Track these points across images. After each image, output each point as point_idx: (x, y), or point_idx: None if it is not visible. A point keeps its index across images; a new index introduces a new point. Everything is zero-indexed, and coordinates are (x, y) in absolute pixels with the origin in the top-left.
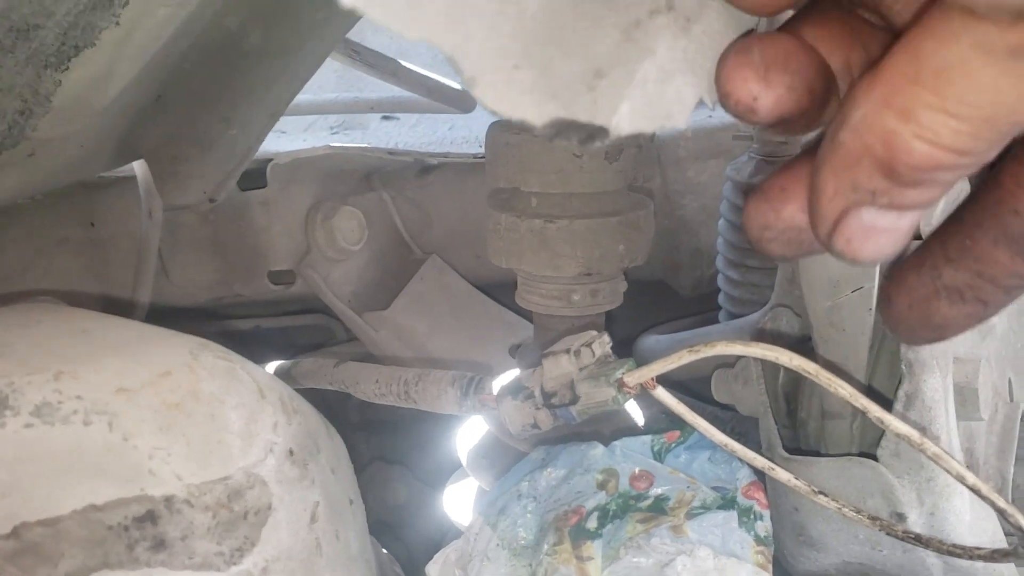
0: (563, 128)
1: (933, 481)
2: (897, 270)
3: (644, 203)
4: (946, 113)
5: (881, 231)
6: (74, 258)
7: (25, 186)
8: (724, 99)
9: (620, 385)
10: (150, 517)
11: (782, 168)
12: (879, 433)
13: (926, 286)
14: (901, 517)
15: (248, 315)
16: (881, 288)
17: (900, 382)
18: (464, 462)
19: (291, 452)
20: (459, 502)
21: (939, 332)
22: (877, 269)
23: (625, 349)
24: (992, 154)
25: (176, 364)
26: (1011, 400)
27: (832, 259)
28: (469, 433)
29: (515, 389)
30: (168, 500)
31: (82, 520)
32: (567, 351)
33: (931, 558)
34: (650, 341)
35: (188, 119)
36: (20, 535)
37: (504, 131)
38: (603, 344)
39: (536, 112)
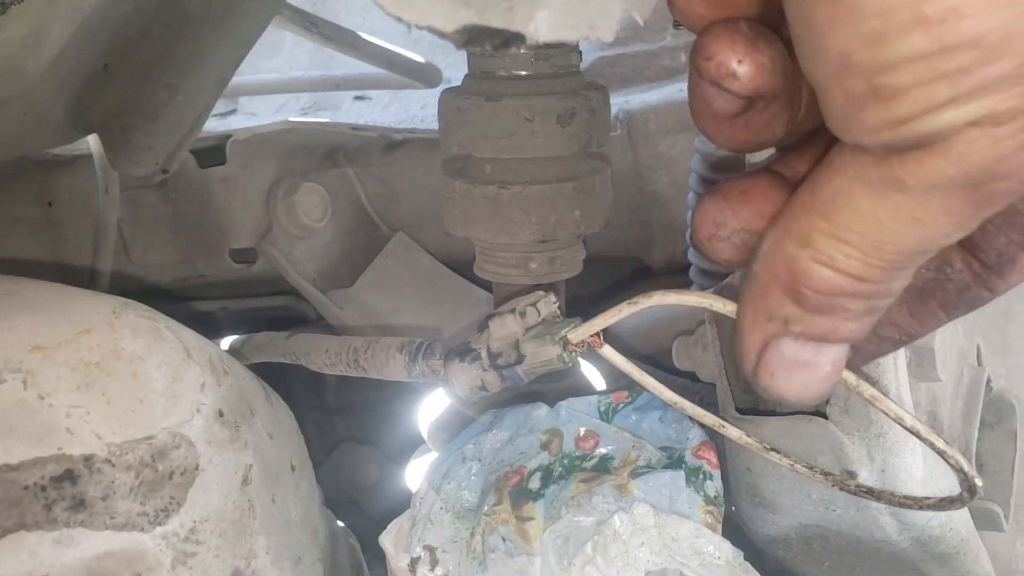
0: (475, 34)
1: (883, 437)
2: None
3: (600, 168)
4: (838, 239)
5: (802, 366)
6: (31, 238)
7: None
8: (704, 62)
9: (565, 343)
10: (68, 476)
11: (745, 174)
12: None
13: None
14: (852, 474)
15: (214, 296)
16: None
17: None
18: (424, 435)
19: (220, 413)
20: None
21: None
22: None
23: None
24: (896, 285)
25: (96, 322)
26: (979, 365)
27: None
28: (431, 407)
29: (462, 352)
30: (88, 459)
31: None
32: (512, 311)
33: (884, 516)
34: (624, 320)
35: (134, 88)
36: None
37: (455, 96)
38: (548, 304)
39: (446, 19)
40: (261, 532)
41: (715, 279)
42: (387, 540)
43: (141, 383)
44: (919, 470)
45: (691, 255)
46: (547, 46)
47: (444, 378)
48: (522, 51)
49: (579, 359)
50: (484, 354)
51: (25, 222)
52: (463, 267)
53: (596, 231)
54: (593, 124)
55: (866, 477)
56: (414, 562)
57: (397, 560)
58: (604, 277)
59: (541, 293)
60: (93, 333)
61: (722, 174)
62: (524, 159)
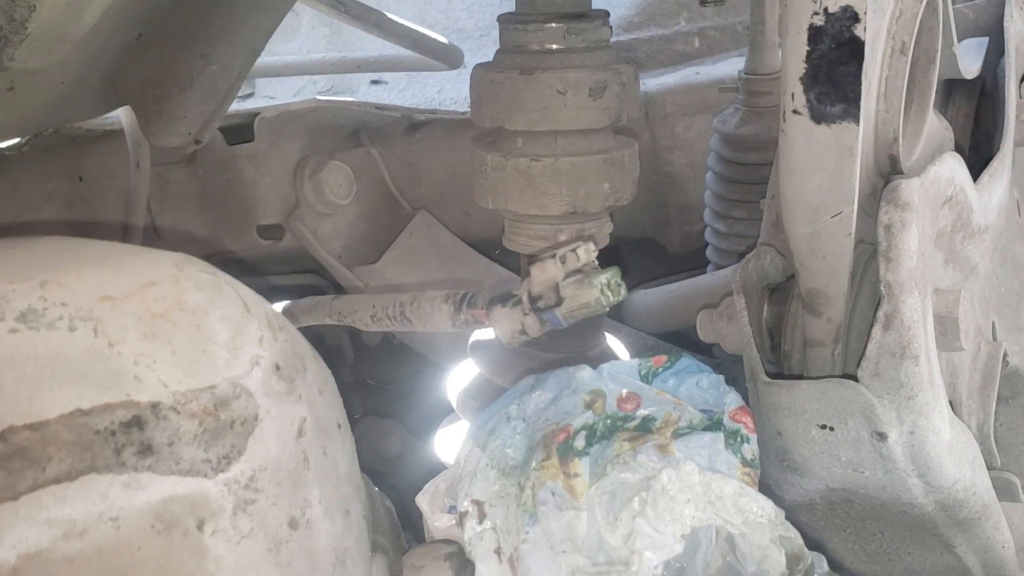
0: None
1: (912, 400)
2: None
3: (629, 143)
4: None
5: None
6: (61, 212)
7: (6, 124)
8: None
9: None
10: (136, 422)
11: None
12: (860, 359)
13: None
14: (882, 436)
15: (239, 274)
16: None
17: (879, 304)
18: (454, 404)
19: (277, 367)
20: (450, 444)
21: None
22: (855, 194)
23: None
24: None
25: (160, 275)
26: (994, 340)
27: (811, 186)
28: (459, 376)
29: (504, 298)
30: (154, 406)
31: (69, 424)
32: (553, 256)
33: (912, 478)
34: (639, 295)
35: (169, 57)
36: (7, 439)
37: (488, 70)
38: (588, 251)
39: None
40: (314, 483)
41: (730, 258)
42: (423, 501)
43: (204, 335)
44: (946, 433)
45: (708, 234)
46: (578, 17)
47: (486, 326)
48: (554, 25)
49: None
50: (525, 299)
51: (57, 197)
52: (482, 247)
53: (624, 204)
54: (623, 98)
55: (895, 439)
56: (462, 516)
57: (434, 519)
58: (618, 259)
59: (580, 241)
60: (158, 285)
61: (740, 153)
62: (555, 132)
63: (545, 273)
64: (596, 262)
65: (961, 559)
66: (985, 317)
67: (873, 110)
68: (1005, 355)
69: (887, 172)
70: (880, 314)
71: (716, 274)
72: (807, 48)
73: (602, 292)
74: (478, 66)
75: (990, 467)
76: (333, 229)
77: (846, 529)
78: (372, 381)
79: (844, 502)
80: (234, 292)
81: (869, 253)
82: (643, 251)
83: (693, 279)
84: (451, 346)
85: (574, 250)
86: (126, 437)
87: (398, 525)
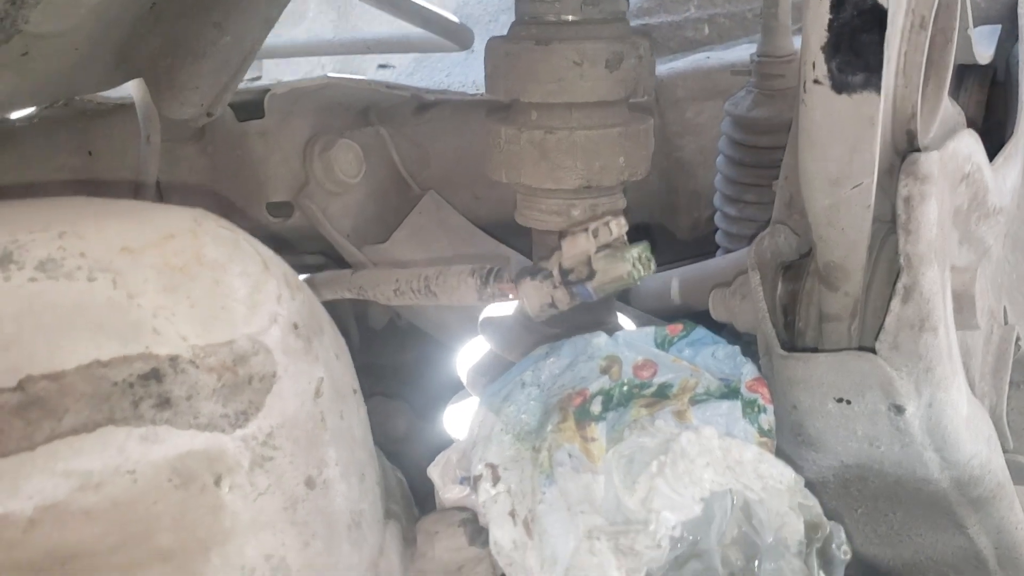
0: None
1: (931, 372)
2: None
3: (645, 118)
4: None
5: None
6: (71, 187)
7: (20, 92)
8: None
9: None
10: (155, 375)
11: None
12: (876, 333)
13: None
14: (900, 409)
15: None
16: None
17: (899, 275)
18: (464, 380)
19: (295, 326)
20: (459, 420)
21: None
22: (875, 166)
23: (622, 292)
24: None
25: (179, 229)
26: (1005, 323)
27: (830, 156)
28: (469, 353)
29: (533, 271)
30: (173, 360)
31: (87, 375)
32: (585, 230)
33: (928, 452)
34: (647, 278)
35: (182, 27)
36: (25, 388)
37: (504, 42)
38: (620, 224)
39: None
40: (331, 444)
41: (740, 242)
42: (435, 472)
43: (223, 290)
44: (964, 407)
45: (718, 219)
46: None
47: (513, 299)
48: None
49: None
50: (555, 272)
51: (65, 171)
52: (490, 230)
53: (638, 179)
54: (640, 70)
55: (913, 412)
56: (476, 479)
57: (445, 491)
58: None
59: (610, 216)
60: (177, 239)
61: (752, 136)
62: (571, 104)
63: (577, 247)
64: (625, 237)
65: (973, 541)
66: (997, 301)
67: (892, 85)
68: (1018, 339)
69: (904, 149)
70: (899, 286)
71: (726, 257)
72: (829, 16)
73: (634, 265)
74: (493, 38)
75: (1004, 450)
76: (342, 208)
77: (858, 509)
78: (379, 363)
79: (858, 480)
80: (252, 249)
81: (884, 231)
82: (651, 237)
83: (703, 262)
84: (460, 326)
85: (606, 224)
86: (144, 390)
87: (410, 496)
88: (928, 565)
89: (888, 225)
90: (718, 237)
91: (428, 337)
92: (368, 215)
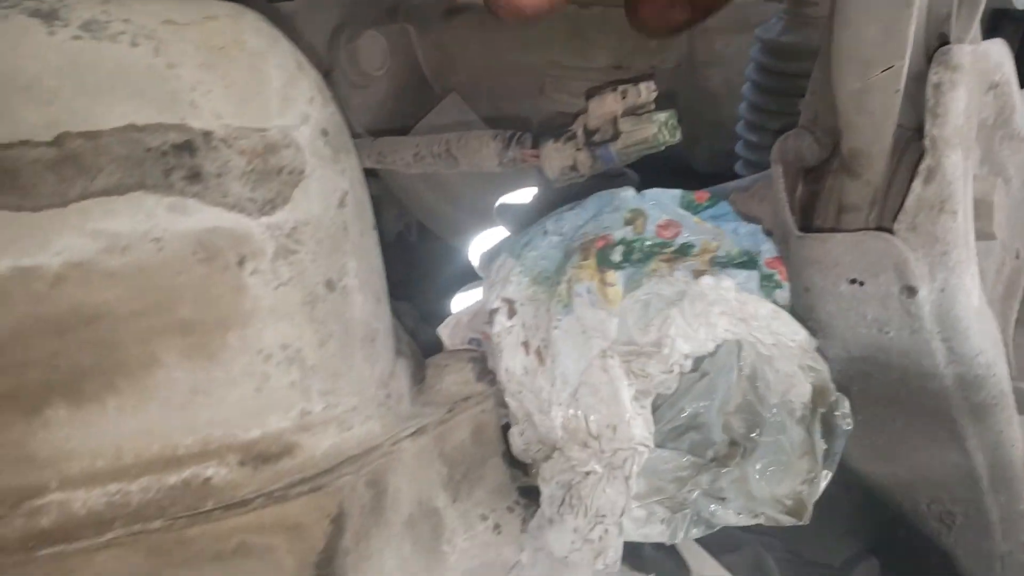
0: None
1: (947, 256)
2: None
3: None
4: None
5: None
6: None
7: None
8: None
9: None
10: (188, 147)
11: None
12: (894, 218)
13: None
14: (912, 291)
15: None
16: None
17: (922, 156)
18: (476, 266)
19: (325, 132)
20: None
21: (672, 31)
22: (908, 48)
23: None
24: None
25: (222, 12)
26: (1017, 258)
27: (864, 38)
28: (482, 242)
29: (557, 133)
30: (206, 135)
31: (122, 138)
32: (614, 90)
33: (935, 340)
34: None
35: None
36: (61, 144)
37: None
38: (649, 88)
39: None
40: (352, 255)
41: (759, 169)
42: (444, 332)
43: (259, 77)
44: (975, 297)
45: (740, 147)
46: None
47: (534, 165)
48: None
49: None
50: (580, 132)
51: None
52: None
53: (667, 67)
54: None
55: (925, 295)
56: (492, 313)
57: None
58: (641, 173)
59: (641, 79)
60: (219, 20)
61: (781, 62)
62: None
63: (604, 107)
64: (653, 104)
65: (970, 456)
66: (1011, 238)
67: None
68: None
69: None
70: (922, 168)
71: (740, 180)
72: None
73: (660, 129)
74: None
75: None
76: (363, 102)
77: (858, 416)
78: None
79: (862, 376)
80: (290, 46)
81: (907, 136)
82: (668, 166)
83: (720, 185)
84: (472, 227)
85: (636, 85)
86: (177, 160)
87: (419, 352)
88: (922, 485)
89: (911, 132)
90: (738, 167)
91: (436, 251)
92: (387, 112)
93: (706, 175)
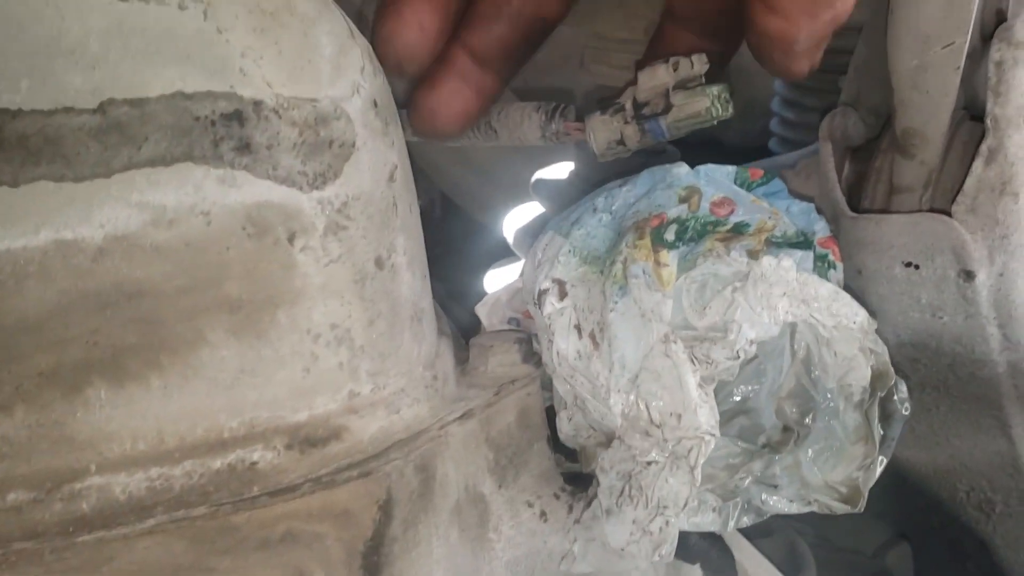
0: None
1: (1007, 239)
2: None
3: None
4: None
5: None
6: None
7: None
8: None
9: (715, 97)
10: (238, 117)
11: None
12: (951, 200)
13: None
14: (969, 275)
15: None
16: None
17: (983, 137)
18: (511, 242)
19: (375, 103)
20: (500, 282)
21: None
22: (971, 24)
23: None
24: None
25: None
26: None
27: (924, 13)
28: (517, 216)
29: (604, 105)
30: (257, 104)
31: (169, 106)
32: (665, 61)
33: (991, 326)
34: None
35: None
36: (106, 111)
37: None
38: (702, 61)
39: None
40: (401, 232)
41: (795, 147)
42: (482, 311)
43: (311, 45)
44: None
45: (774, 124)
46: None
47: (578, 139)
48: None
49: None
50: (629, 105)
51: None
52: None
53: None
54: None
55: (983, 280)
56: (541, 294)
57: (491, 329)
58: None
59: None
60: None
61: None
62: None
63: (655, 79)
64: (704, 79)
65: (1015, 445)
66: None
67: None
68: None
69: (990, 34)
70: (983, 148)
71: (775, 159)
72: None
73: (712, 103)
74: None
75: None
76: None
77: None
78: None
79: (909, 362)
80: (341, 13)
81: (960, 117)
82: (699, 143)
83: (760, 161)
84: (501, 203)
85: (688, 58)
86: (226, 130)
87: (458, 331)
88: (961, 472)
89: (963, 112)
90: (771, 144)
91: (462, 228)
92: None
93: (734, 152)
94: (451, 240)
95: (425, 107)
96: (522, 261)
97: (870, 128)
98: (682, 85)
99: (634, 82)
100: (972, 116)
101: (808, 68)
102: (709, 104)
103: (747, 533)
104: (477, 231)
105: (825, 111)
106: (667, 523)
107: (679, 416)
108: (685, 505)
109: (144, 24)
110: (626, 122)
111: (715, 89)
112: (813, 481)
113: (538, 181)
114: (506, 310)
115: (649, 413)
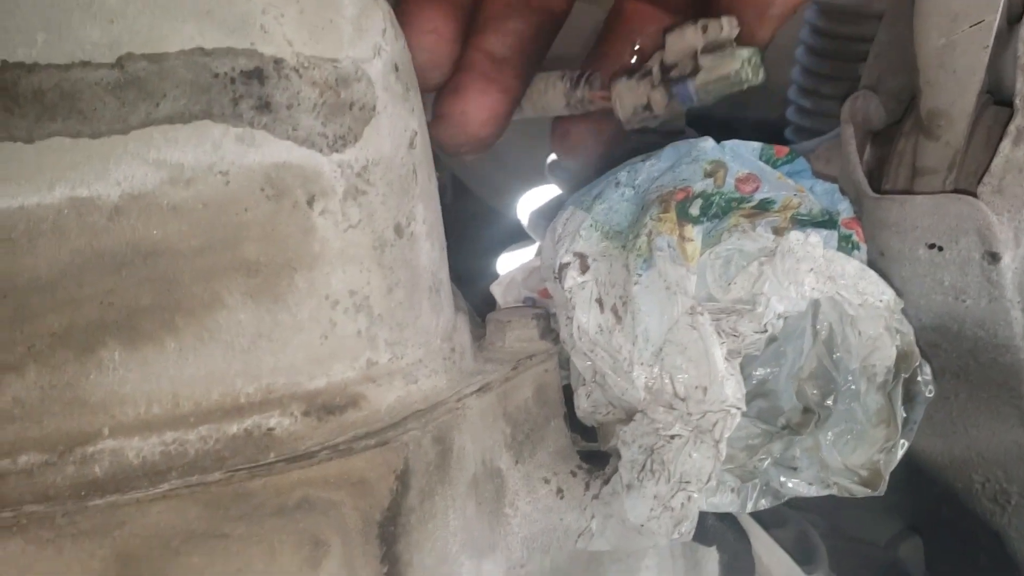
0: None
1: None
2: None
3: None
4: None
5: None
6: None
7: None
8: None
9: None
10: (258, 75)
11: None
12: (976, 181)
13: None
14: (994, 257)
15: None
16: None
17: (1012, 116)
18: (525, 224)
19: (396, 67)
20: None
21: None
22: (1002, 1)
23: None
24: None
25: None
26: None
27: None
28: (532, 199)
29: (631, 69)
30: (277, 62)
31: (188, 62)
32: (694, 22)
33: (1016, 310)
34: None
35: None
36: (124, 67)
37: None
38: (732, 24)
39: None
40: (420, 200)
41: (812, 136)
42: (497, 290)
43: (332, 4)
44: None
45: (790, 112)
46: None
47: (604, 106)
48: None
49: None
50: (656, 69)
51: None
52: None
53: None
54: None
55: (1008, 263)
56: (563, 267)
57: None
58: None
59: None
60: None
61: (839, 25)
62: None
63: (683, 41)
64: (734, 43)
65: None
66: None
67: None
68: None
69: (1016, 17)
70: (1011, 127)
71: (798, 145)
72: None
73: (743, 66)
74: None
75: None
76: None
77: None
78: None
79: (930, 347)
80: None
81: (984, 100)
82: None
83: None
84: (513, 187)
85: (718, 19)
86: (246, 88)
87: (472, 308)
88: (977, 462)
89: (988, 96)
90: (787, 133)
91: (473, 212)
92: None
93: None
94: (462, 225)
95: (455, 112)
96: (536, 244)
97: (891, 113)
98: (712, 48)
99: (662, 47)
100: (997, 101)
101: (770, 38)
102: (739, 67)
103: (760, 522)
104: (488, 215)
105: (843, 99)
106: (689, 499)
107: (704, 389)
108: (708, 480)
109: None
110: (653, 86)
111: (746, 52)
112: (833, 464)
113: (554, 162)
114: (522, 289)
115: (674, 386)
